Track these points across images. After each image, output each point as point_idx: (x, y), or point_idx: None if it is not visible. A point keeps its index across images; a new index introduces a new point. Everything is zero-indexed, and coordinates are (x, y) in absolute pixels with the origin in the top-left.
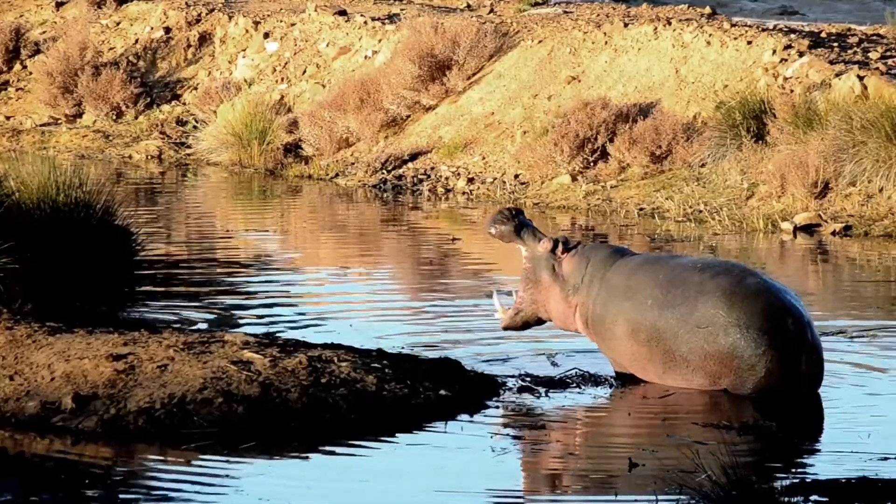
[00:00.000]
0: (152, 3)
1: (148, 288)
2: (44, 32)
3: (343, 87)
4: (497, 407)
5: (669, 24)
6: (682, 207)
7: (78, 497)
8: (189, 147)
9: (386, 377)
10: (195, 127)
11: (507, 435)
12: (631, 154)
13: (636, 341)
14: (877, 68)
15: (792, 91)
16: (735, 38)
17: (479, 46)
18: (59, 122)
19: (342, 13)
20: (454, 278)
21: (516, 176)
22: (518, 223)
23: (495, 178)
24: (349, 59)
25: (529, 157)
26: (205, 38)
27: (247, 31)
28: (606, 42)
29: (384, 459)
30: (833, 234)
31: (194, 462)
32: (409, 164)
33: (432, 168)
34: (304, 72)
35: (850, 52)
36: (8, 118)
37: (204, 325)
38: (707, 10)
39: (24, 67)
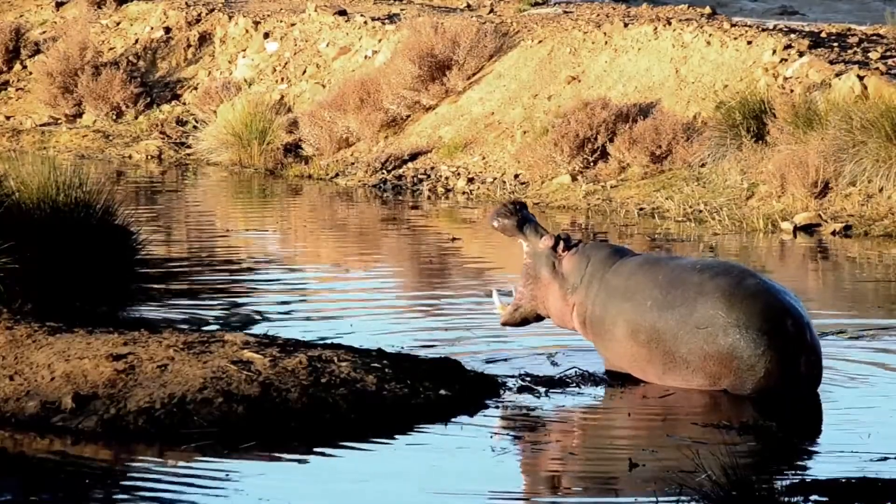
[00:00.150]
0: (152, 3)
1: (148, 288)
2: (44, 32)
3: (343, 87)
4: (497, 407)
5: (669, 24)
6: (682, 207)
7: (78, 497)
8: (189, 147)
9: (386, 377)
10: (195, 127)
11: (507, 435)
12: (631, 154)
13: (636, 342)
14: (877, 68)
15: (792, 91)
16: (735, 38)
17: (479, 46)
18: (59, 122)
19: (342, 13)
20: (454, 278)
21: (516, 176)
22: (521, 218)
23: (495, 178)
24: (349, 59)
25: (529, 157)
26: (205, 38)
27: (247, 31)
28: (606, 42)
29: (384, 459)
30: (833, 234)
31: (194, 462)
32: (409, 164)
33: (432, 168)
34: (304, 72)
35: (850, 52)
36: (8, 118)
37: (204, 325)
38: (707, 10)
39: (24, 67)
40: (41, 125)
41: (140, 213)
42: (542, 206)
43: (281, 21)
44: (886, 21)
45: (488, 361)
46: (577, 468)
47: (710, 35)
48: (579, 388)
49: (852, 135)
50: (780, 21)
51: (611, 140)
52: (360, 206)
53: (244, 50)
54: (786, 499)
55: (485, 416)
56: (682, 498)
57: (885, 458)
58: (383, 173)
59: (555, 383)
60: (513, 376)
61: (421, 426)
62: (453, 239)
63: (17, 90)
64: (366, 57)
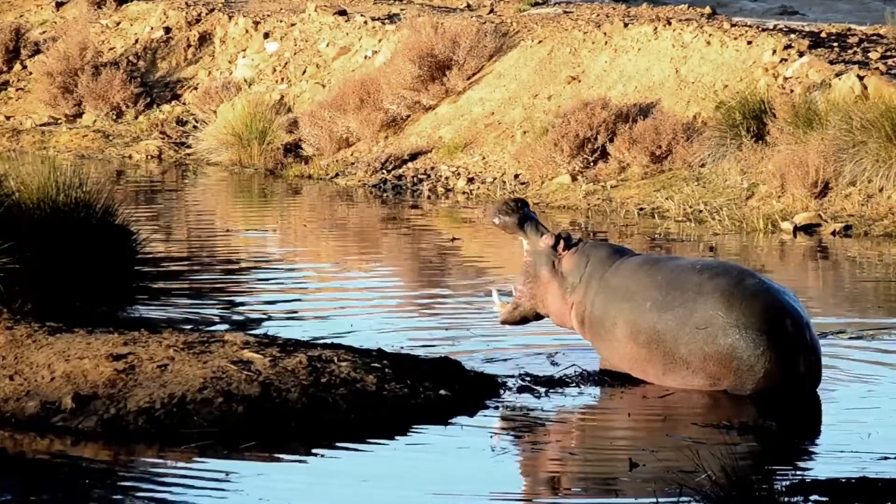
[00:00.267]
0: (152, 3)
1: (148, 288)
2: (44, 32)
3: (343, 87)
4: (497, 407)
5: (669, 24)
6: (682, 207)
7: (78, 497)
8: (189, 147)
9: (386, 377)
10: (195, 127)
11: (507, 435)
12: (631, 154)
13: (636, 343)
14: (877, 68)
15: (792, 91)
16: (735, 38)
17: (479, 46)
18: (59, 122)
19: (342, 13)
20: (454, 278)
21: (516, 176)
22: (522, 215)
23: (495, 178)
24: (349, 59)
25: (529, 157)
26: (205, 38)
27: (247, 31)
28: (606, 42)
29: (384, 459)
30: (833, 234)
31: (194, 462)
32: (409, 164)
33: (432, 168)
34: (304, 72)
35: (850, 52)
36: (8, 118)
37: (204, 325)
38: (707, 10)
39: (24, 67)
40: (41, 125)
41: (140, 213)
42: (542, 206)
43: (281, 21)
44: (886, 21)
45: (488, 361)
46: (577, 468)
47: (710, 35)
48: (579, 387)
49: (852, 135)
50: (780, 21)
51: (611, 140)
52: (360, 206)
53: (244, 50)
54: (786, 499)
55: (485, 416)
56: (682, 498)
57: (886, 458)
58: (383, 173)
59: (555, 383)
60: (512, 376)
61: (421, 426)
62: (453, 239)
63: (17, 90)
64: (366, 57)
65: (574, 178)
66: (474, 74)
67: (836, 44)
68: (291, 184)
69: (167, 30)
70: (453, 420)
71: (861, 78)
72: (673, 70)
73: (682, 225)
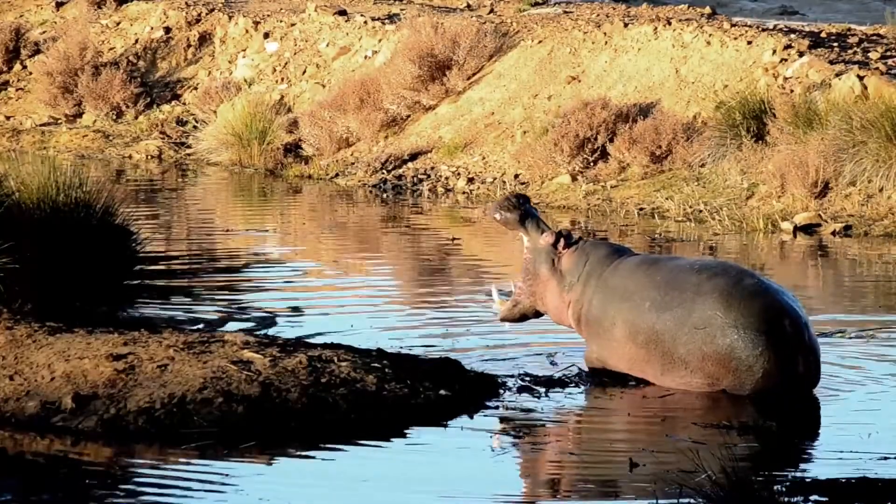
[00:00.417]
0: (152, 3)
1: (148, 288)
2: (44, 32)
3: (343, 87)
4: (497, 407)
5: (669, 24)
6: (682, 207)
7: (78, 497)
8: (189, 147)
9: (386, 377)
10: (195, 127)
11: (507, 435)
12: (631, 154)
13: (634, 343)
14: (877, 68)
15: (792, 91)
16: (735, 38)
17: (479, 46)
18: (59, 122)
19: (342, 13)
20: (454, 278)
21: (516, 176)
22: (523, 212)
23: (495, 178)
24: (349, 59)
25: (529, 157)
26: (205, 38)
27: (247, 31)
28: (606, 42)
29: (384, 459)
30: (833, 234)
31: (194, 462)
32: (409, 164)
33: (432, 168)
34: (304, 72)
35: (850, 52)
36: (8, 118)
37: (204, 325)
38: (707, 10)
39: (24, 67)
40: (41, 125)
41: (140, 213)
42: (542, 206)
43: (281, 21)
44: (886, 21)
45: (488, 361)
46: (577, 468)
47: (710, 35)
48: (579, 387)
49: (852, 135)
50: (780, 21)
51: (611, 140)
52: (360, 206)
53: (244, 50)
54: (786, 499)
55: (485, 416)
56: (682, 498)
57: (886, 458)
58: (383, 173)
59: (555, 383)
60: (512, 376)
61: (421, 426)
62: (453, 239)
63: (17, 90)
64: (366, 57)
65: (574, 178)
66: (474, 74)
67: (836, 44)
68: (291, 184)
69: (167, 30)
70: (453, 420)
71: (861, 78)
72: (673, 70)
73: (682, 225)
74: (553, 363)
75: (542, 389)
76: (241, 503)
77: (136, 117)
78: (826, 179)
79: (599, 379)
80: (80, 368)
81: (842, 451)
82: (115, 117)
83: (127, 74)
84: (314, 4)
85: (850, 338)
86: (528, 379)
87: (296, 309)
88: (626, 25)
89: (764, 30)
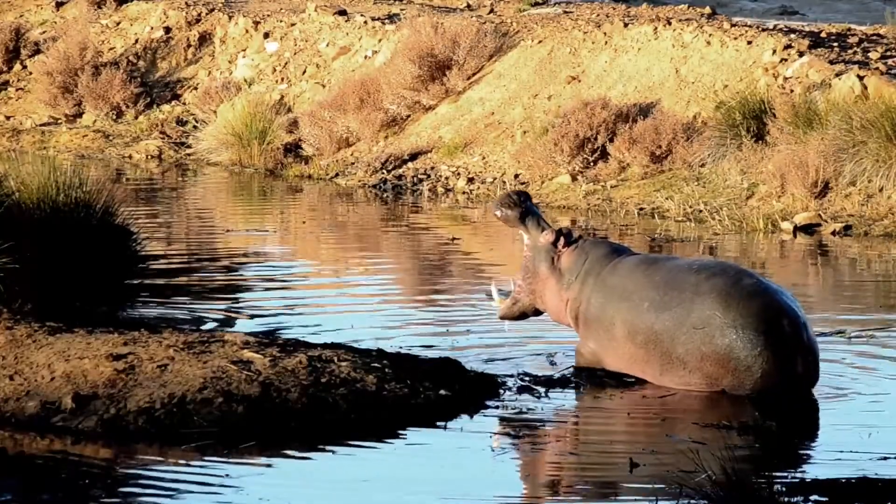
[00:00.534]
0: (152, 3)
1: (148, 288)
2: (44, 32)
3: (343, 87)
4: (497, 407)
5: (669, 24)
6: (682, 207)
7: (78, 497)
8: (189, 147)
9: (386, 377)
10: (195, 127)
11: (507, 435)
12: (631, 154)
13: (633, 344)
14: (877, 68)
15: (792, 91)
16: (735, 38)
17: (479, 46)
18: (59, 122)
19: (342, 13)
20: (454, 278)
21: (516, 176)
22: (524, 210)
23: (495, 178)
24: (349, 59)
25: (529, 157)
26: (205, 38)
27: (247, 31)
28: (606, 42)
29: (384, 459)
30: (833, 234)
31: (194, 462)
32: (409, 164)
33: (432, 168)
34: (304, 72)
35: (850, 52)
36: (8, 118)
37: (204, 325)
38: (707, 10)
39: (24, 67)
40: (41, 125)
41: (140, 213)
42: (542, 206)
43: (281, 21)
44: (886, 21)
45: (488, 361)
46: (577, 468)
47: (710, 35)
48: (579, 388)
49: (852, 135)
50: (780, 21)
51: (611, 140)
52: (360, 206)
53: (244, 50)
54: (786, 499)
55: (485, 416)
56: (682, 498)
57: (885, 458)
58: (383, 173)
59: (555, 383)
60: (512, 376)
61: (421, 426)
62: (453, 239)
63: (17, 90)
64: (366, 57)
65: (574, 178)
66: (474, 74)
67: (836, 44)
68: (291, 184)
69: (167, 30)
70: (453, 420)
71: (861, 78)
72: (673, 70)
73: (682, 225)
74: (553, 363)
75: (542, 389)
76: (241, 503)
77: (136, 117)
78: (826, 179)
79: (599, 379)
80: (80, 368)
81: (842, 451)
82: (115, 117)
83: (127, 74)
84: (314, 4)
85: (850, 338)
86: (528, 379)
87: (296, 309)
88: (626, 25)
89: (764, 30)
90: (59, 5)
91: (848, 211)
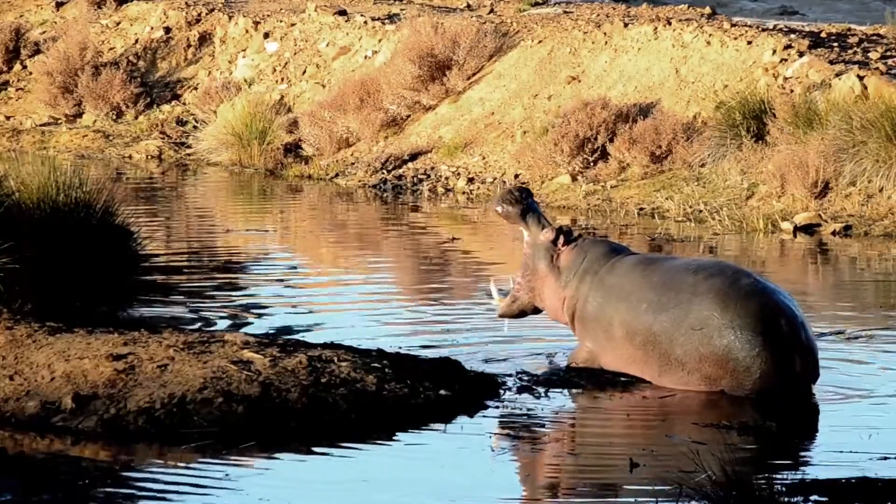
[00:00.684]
0: (152, 3)
1: (148, 288)
2: (44, 32)
3: (343, 87)
4: (497, 407)
5: (669, 24)
6: (682, 207)
7: (78, 497)
8: (189, 147)
9: (386, 377)
10: (195, 127)
11: (507, 435)
12: (631, 154)
13: (632, 345)
14: (877, 68)
15: (792, 91)
16: (735, 38)
17: (479, 46)
18: (59, 122)
19: (342, 13)
20: (454, 278)
21: (516, 176)
22: (525, 207)
23: (495, 178)
24: (349, 59)
25: (529, 157)
26: (205, 38)
27: (247, 31)
28: (606, 42)
29: (384, 460)
30: (833, 234)
31: (194, 462)
32: (409, 164)
33: (432, 168)
34: (304, 72)
35: (850, 52)
36: (8, 118)
37: (204, 325)
38: (707, 10)
39: (24, 67)
40: (41, 125)
41: (140, 213)
42: (542, 206)
43: (281, 21)
44: (886, 21)
45: (488, 361)
46: (577, 468)
47: (710, 35)
48: (579, 388)
49: (852, 135)
50: (780, 21)
51: (611, 140)
52: (360, 206)
53: (244, 50)
54: (786, 499)
55: (485, 416)
56: (682, 498)
57: (885, 458)
58: (383, 173)
59: (554, 383)
60: (512, 376)
61: (421, 426)
62: (453, 239)
63: (17, 90)
64: (366, 57)
65: (574, 178)
66: (474, 74)
67: (836, 44)
68: (291, 184)
69: (167, 30)
70: (453, 420)
71: (861, 78)
72: (673, 70)
73: (682, 225)
74: (553, 363)
75: (542, 389)
76: (241, 503)
77: (136, 117)
78: (826, 179)
79: (599, 379)
80: (80, 368)
81: (842, 452)
82: (115, 117)
83: (127, 74)
84: (314, 4)
85: (850, 338)
86: (527, 379)
87: (296, 309)
88: (626, 25)
89: (764, 30)
90: (59, 5)
91: (848, 211)
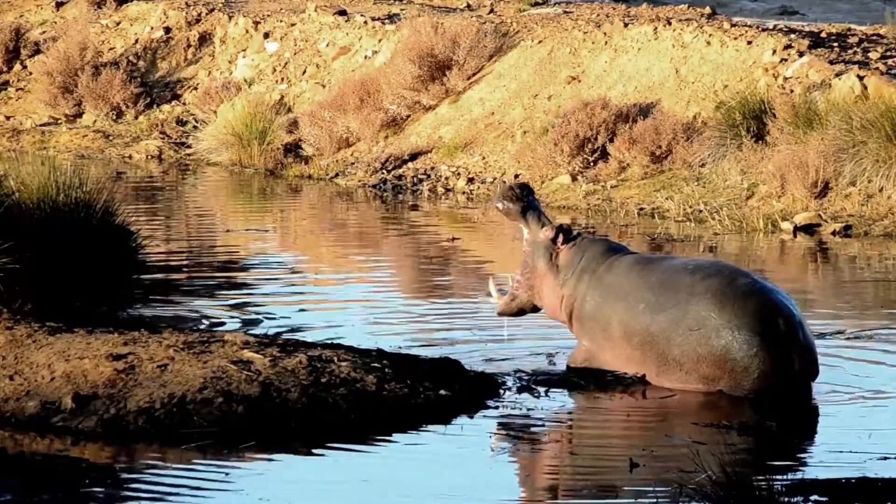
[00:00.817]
0: (152, 3)
1: (148, 287)
2: (44, 32)
3: (343, 87)
4: (497, 407)
5: (669, 24)
6: (682, 207)
7: (78, 497)
8: (189, 147)
9: (386, 377)
10: (195, 127)
11: (507, 435)
12: (631, 154)
13: (629, 345)
14: (877, 68)
15: (792, 91)
16: (735, 39)
17: (479, 46)
18: (59, 122)
19: (342, 13)
20: (454, 278)
21: (516, 176)
22: (526, 204)
23: (495, 178)
24: (349, 59)
25: (529, 157)
26: (205, 38)
27: (247, 31)
28: (606, 42)
29: (384, 459)
30: (833, 234)
31: (194, 462)
32: (409, 164)
33: (432, 168)
34: (304, 72)
35: (850, 52)
36: (8, 118)
37: (204, 325)
38: (707, 10)
39: (24, 67)
40: (41, 125)
41: (140, 213)
42: (543, 207)
43: (281, 21)
44: (886, 21)
45: (488, 361)
46: (577, 468)
47: (710, 35)
48: (579, 388)
49: (852, 135)
50: (780, 21)
51: (611, 140)
52: (360, 206)
53: (244, 50)
54: (786, 499)
55: (485, 416)
56: (682, 498)
57: (885, 458)
58: (383, 173)
59: (554, 383)
60: (512, 376)
61: (421, 426)
62: (453, 239)
63: (17, 90)
64: (366, 57)
65: (574, 178)
66: (474, 74)
67: (836, 44)
68: (291, 184)
69: (167, 30)
70: (453, 420)
71: (861, 78)
72: (673, 70)
73: (682, 225)
74: (553, 363)
75: (542, 389)
76: (241, 503)
77: (136, 117)
78: (826, 179)
79: (599, 379)
80: (80, 368)
81: (842, 451)
82: (115, 117)
83: (127, 74)
84: (314, 4)
85: (849, 338)
86: (527, 379)
87: (296, 309)
88: (626, 25)
89: (764, 30)
90: (59, 5)
91: (848, 211)
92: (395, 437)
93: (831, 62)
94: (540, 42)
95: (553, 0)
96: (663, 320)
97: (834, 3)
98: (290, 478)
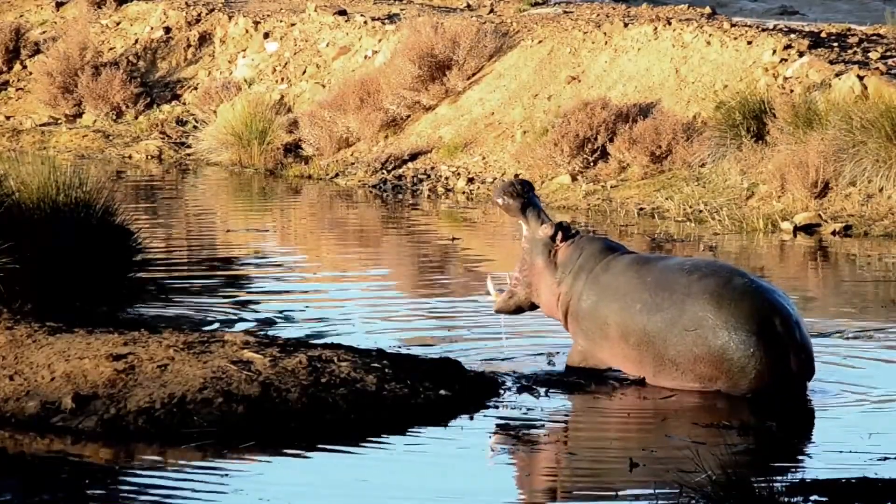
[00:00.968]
0: (152, 3)
1: (148, 287)
2: (44, 32)
3: (343, 87)
4: (497, 407)
5: (669, 24)
6: (682, 207)
7: (78, 497)
8: (189, 147)
9: (386, 377)
10: (195, 127)
11: (507, 435)
12: (631, 154)
13: (626, 345)
14: (877, 68)
15: (792, 91)
16: (735, 38)
17: (479, 46)
18: (59, 122)
19: (342, 13)
20: (454, 278)
21: (516, 176)
22: (525, 201)
23: (495, 178)
24: (349, 59)
25: (529, 157)
26: (205, 38)
27: (247, 31)
28: (606, 42)
29: (384, 460)
30: (833, 234)
31: (194, 462)
32: (409, 164)
33: (432, 168)
34: (304, 72)
35: (850, 52)
36: (8, 118)
37: (204, 325)
38: (707, 10)
39: (24, 67)
40: (41, 125)
41: (140, 213)
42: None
43: (281, 21)
44: (886, 21)
45: (488, 361)
46: (577, 468)
47: (710, 35)
48: (579, 388)
49: (852, 135)
50: (780, 21)
51: (611, 140)
52: (359, 206)
53: (244, 50)
54: (786, 499)
55: (485, 416)
56: (682, 498)
57: (885, 458)
58: (383, 173)
59: (554, 383)
60: (512, 376)
61: (421, 426)
62: (453, 239)
63: (17, 90)
64: (366, 57)
65: (574, 178)
66: (474, 74)
67: (836, 44)
68: (291, 184)
69: (167, 30)
70: (453, 420)
71: (861, 78)
72: (673, 70)
73: (682, 225)
74: (553, 363)
75: (542, 389)
76: (241, 503)
77: (136, 117)
78: (826, 179)
79: (599, 379)
80: (80, 368)
81: (842, 451)
82: (115, 117)
83: (127, 74)
84: (314, 4)
85: (849, 338)
86: (527, 379)
87: (296, 309)
88: (626, 25)
89: (764, 30)
90: (59, 5)
91: (848, 211)
92: (395, 437)
93: (831, 62)
94: (540, 42)
95: (553, 0)
96: (660, 320)
97: (834, 3)
98: (290, 478)
